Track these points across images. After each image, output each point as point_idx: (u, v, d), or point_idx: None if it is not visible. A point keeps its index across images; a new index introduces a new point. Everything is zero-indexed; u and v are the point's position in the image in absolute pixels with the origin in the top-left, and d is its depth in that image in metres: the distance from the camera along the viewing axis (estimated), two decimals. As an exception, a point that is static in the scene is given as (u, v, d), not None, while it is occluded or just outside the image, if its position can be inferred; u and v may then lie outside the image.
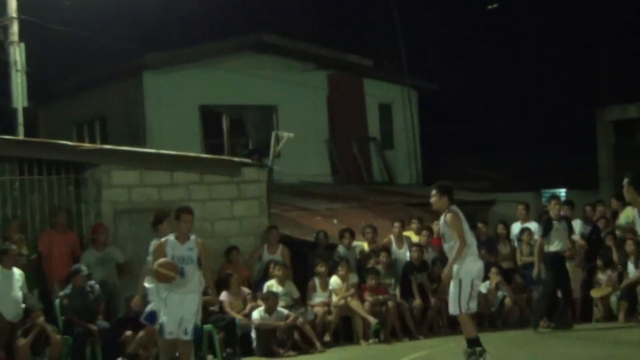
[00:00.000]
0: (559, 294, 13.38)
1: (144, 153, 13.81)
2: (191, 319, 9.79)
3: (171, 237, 9.96)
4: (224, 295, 12.50)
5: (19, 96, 15.36)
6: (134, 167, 13.08)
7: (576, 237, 14.22)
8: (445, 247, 10.11)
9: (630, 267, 14.23)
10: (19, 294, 11.22)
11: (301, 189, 18.63)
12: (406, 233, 14.53)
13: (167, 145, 15.68)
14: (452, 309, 9.86)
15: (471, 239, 9.97)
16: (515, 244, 14.82)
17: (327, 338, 12.86)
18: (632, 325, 13.45)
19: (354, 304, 13.11)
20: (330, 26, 26.76)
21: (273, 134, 15.78)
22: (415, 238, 14.49)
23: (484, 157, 25.17)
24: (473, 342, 9.79)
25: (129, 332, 11.43)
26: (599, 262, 14.42)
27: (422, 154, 22.20)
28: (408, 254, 14.03)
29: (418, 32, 24.42)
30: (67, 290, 11.54)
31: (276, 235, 13.63)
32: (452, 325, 12.88)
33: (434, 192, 10.04)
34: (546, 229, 13.23)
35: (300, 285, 13.26)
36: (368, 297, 13.26)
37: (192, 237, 9.97)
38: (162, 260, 9.71)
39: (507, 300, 14.13)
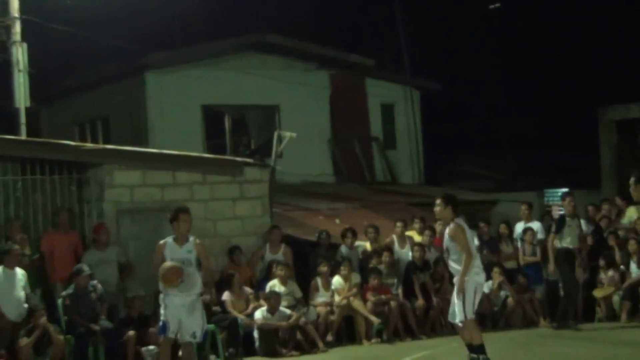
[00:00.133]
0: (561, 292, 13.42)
1: (146, 153, 13.79)
2: (199, 324, 9.77)
3: (169, 239, 9.87)
4: (226, 295, 12.48)
5: (21, 96, 15.34)
6: (136, 167, 13.06)
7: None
8: (450, 260, 9.90)
9: (633, 266, 14.22)
10: (21, 294, 11.19)
11: (303, 188, 18.61)
12: (409, 233, 14.52)
13: (170, 145, 15.67)
14: (459, 318, 9.78)
15: (475, 253, 9.91)
16: (519, 243, 14.80)
17: (329, 338, 12.84)
18: (634, 325, 13.43)
19: (357, 303, 13.10)
20: (333, 26, 26.75)
21: (275, 133, 15.77)
22: (417, 238, 14.48)
23: (486, 156, 25.15)
24: (478, 349, 9.74)
25: (131, 332, 11.43)
26: (602, 262, 14.39)
27: (424, 153, 22.17)
28: (410, 253, 14.01)
29: (420, 31, 24.39)
30: (70, 290, 11.53)
31: (278, 235, 13.61)
32: (455, 325, 12.85)
33: (438, 201, 9.98)
34: (560, 226, 13.30)
35: (302, 285, 13.24)
36: (370, 296, 13.25)
37: (191, 238, 9.89)
38: (168, 264, 9.65)
39: (510, 300, 14.11)
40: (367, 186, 20.15)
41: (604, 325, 13.73)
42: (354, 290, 13.23)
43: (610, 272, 14.27)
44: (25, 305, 11.20)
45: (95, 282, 11.68)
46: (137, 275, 12.44)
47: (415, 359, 11.74)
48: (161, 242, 9.91)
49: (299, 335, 12.52)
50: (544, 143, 25.24)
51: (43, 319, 11.04)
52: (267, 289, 12.76)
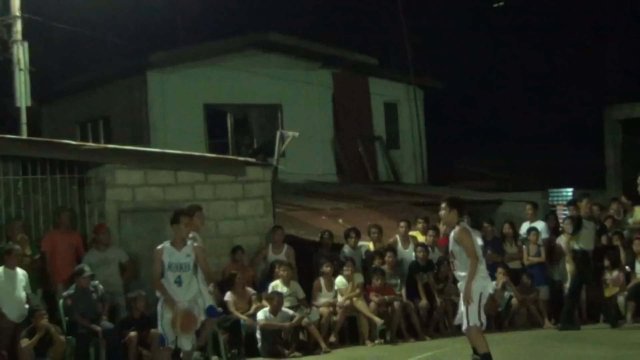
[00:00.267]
0: (565, 291, 13.39)
1: (148, 152, 13.75)
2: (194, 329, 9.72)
3: (167, 244, 9.74)
4: (228, 296, 12.43)
5: (23, 95, 15.31)
6: (138, 166, 13.02)
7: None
8: (455, 265, 9.74)
9: (638, 267, 14.19)
10: (22, 294, 11.19)
11: (306, 188, 18.56)
12: (412, 233, 14.46)
13: (172, 144, 15.65)
14: (463, 325, 9.68)
15: (481, 257, 9.78)
16: (524, 244, 14.73)
17: (332, 339, 12.80)
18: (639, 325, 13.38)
19: (360, 304, 13.04)
20: (336, 25, 26.69)
21: (278, 133, 15.72)
22: (421, 238, 14.41)
23: (490, 156, 25.07)
24: (482, 358, 9.63)
25: (132, 333, 11.38)
26: (606, 262, 14.30)
27: (428, 153, 22.11)
28: (414, 254, 13.94)
29: (424, 30, 24.32)
30: (71, 290, 11.49)
31: (281, 235, 13.56)
32: (459, 326, 12.76)
33: (443, 205, 9.87)
34: (576, 228, 13.37)
35: (305, 286, 13.19)
36: (374, 297, 13.19)
37: (189, 242, 9.79)
38: (180, 311, 9.48)
39: (514, 301, 14.05)
40: (370, 186, 20.09)
41: (609, 326, 13.57)
42: (357, 290, 13.17)
43: (615, 273, 14.19)
44: (26, 306, 11.19)
45: (96, 282, 11.64)
46: (139, 275, 12.39)
47: (418, 360, 11.70)
48: (158, 247, 9.76)
49: (301, 336, 12.49)
50: (549, 142, 25.16)
51: (45, 320, 10.98)
52: (270, 289, 12.71)
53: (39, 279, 11.91)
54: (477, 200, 17.79)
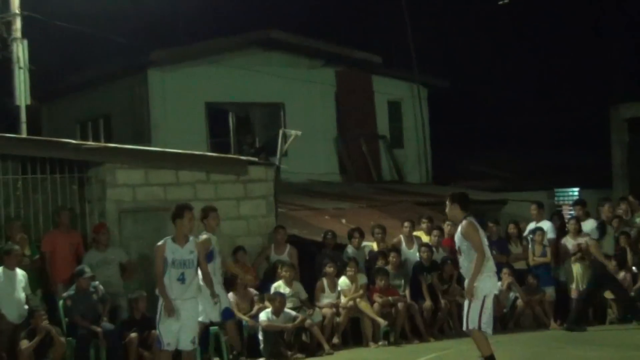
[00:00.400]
0: (571, 292, 13.34)
1: (149, 151, 13.67)
2: (195, 327, 9.55)
3: (168, 239, 9.50)
4: (230, 296, 12.29)
5: (22, 93, 15.30)
6: (139, 165, 12.95)
7: (585, 238, 13.99)
8: (462, 262, 9.59)
9: (645, 268, 14.06)
10: (22, 295, 11.14)
11: (309, 188, 18.50)
12: (416, 233, 14.36)
13: (173, 143, 15.58)
14: (464, 325, 9.53)
15: (488, 254, 9.59)
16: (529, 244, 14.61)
17: (335, 340, 12.70)
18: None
19: (363, 305, 12.94)
20: (339, 22, 26.60)
21: (280, 131, 15.67)
22: (425, 238, 14.31)
23: (495, 155, 24.98)
24: None
25: (133, 334, 11.30)
26: (613, 264, 14.16)
27: (432, 152, 22.05)
28: (418, 254, 13.83)
29: (428, 28, 24.20)
30: (71, 291, 11.44)
31: (283, 235, 13.47)
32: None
33: (447, 201, 9.73)
34: (602, 232, 13.76)
35: (308, 286, 13.09)
36: (377, 298, 13.10)
37: (191, 238, 9.61)
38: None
39: (519, 302, 13.95)
40: (374, 185, 20.01)
41: (616, 327, 13.58)
42: (361, 291, 13.07)
43: (622, 274, 14.06)
44: (26, 307, 11.14)
45: (96, 283, 11.58)
46: (139, 275, 12.29)
47: (422, 362, 11.59)
48: (159, 243, 9.52)
49: (304, 337, 12.43)
50: (555, 142, 25.07)
51: (45, 322, 10.90)
52: (272, 290, 12.61)
53: (39, 279, 11.85)
54: (482, 200, 17.67)
